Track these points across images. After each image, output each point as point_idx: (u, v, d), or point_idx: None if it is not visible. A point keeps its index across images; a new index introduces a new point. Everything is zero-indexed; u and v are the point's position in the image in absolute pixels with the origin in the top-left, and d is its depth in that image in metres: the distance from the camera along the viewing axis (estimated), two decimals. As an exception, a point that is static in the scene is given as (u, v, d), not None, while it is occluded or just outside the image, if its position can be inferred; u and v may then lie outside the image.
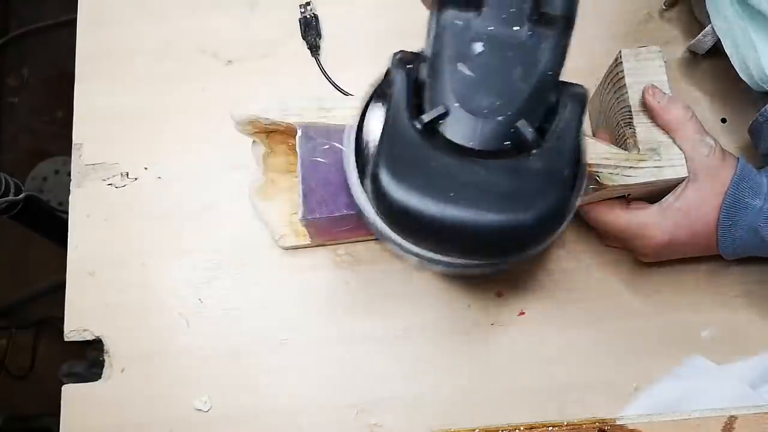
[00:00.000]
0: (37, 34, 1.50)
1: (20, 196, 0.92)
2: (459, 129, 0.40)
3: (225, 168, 0.65)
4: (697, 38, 0.63)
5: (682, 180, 0.54)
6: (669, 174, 0.54)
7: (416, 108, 0.41)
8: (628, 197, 0.58)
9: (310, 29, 0.68)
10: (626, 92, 0.56)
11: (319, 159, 0.55)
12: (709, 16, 0.59)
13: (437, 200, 0.38)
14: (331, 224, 0.57)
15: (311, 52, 0.68)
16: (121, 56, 0.69)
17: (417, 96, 0.41)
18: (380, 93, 0.45)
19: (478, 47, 0.40)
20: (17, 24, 1.52)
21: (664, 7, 0.67)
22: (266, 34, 0.69)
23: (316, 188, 0.55)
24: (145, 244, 0.63)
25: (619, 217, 0.56)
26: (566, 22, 0.40)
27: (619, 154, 0.55)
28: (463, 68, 0.40)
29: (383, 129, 0.41)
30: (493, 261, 0.44)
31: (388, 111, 0.41)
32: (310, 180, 0.55)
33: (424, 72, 0.41)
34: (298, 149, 0.55)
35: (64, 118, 1.43)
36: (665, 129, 0.55)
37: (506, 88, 0.40)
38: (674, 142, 0.54)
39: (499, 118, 0.39)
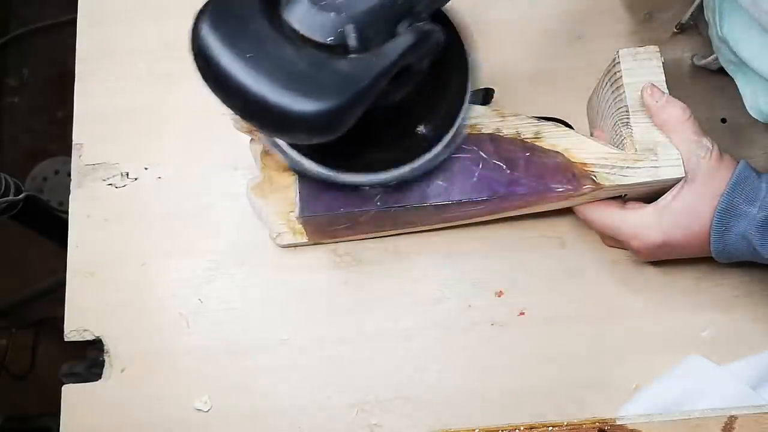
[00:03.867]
0: (37, 34, 1.50)
1: (20, 196, 0.92)
2: (294, 10, 0.42)
3: (225, 168, 0.65)
4: (706, 60, 0.63)
5: (679, 181, 0.54)
6: (665, 174, 0.54)
7: None
8: (625, 197, 0.58)
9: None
10: (624, 92, 0.56)
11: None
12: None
13: (234, 55, 0.40)
14: (327, 222, 0.57)
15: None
16: (121, 56, 0.69)
17: None
18: None
19: None
20: (17, 24, 1.52)
21: (675, 30, 0.67)
22: (266, 34, 0.69)
23: (314, 186, 0.55)
24: (145, 244, 0.64)
25: (615, 217, 0.56)
26: None
27: (616, 154, 0.55)
28: None
29: None
30: (267, 133, 0.47)
31: None
32: (307, 178, 0.55)
33: None
34: (296, 147, 0.55)
35: (64, 118, 1.43)
36: (662, 129, 0.55)
37: None
38: (671, 142, 0.54)
39: (332, 14, 0.41)
